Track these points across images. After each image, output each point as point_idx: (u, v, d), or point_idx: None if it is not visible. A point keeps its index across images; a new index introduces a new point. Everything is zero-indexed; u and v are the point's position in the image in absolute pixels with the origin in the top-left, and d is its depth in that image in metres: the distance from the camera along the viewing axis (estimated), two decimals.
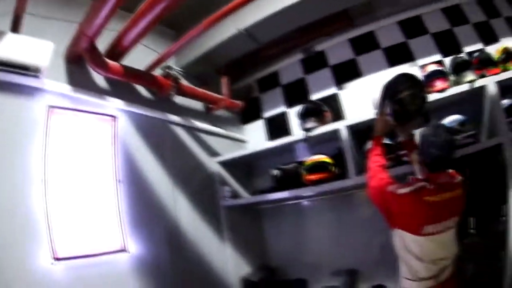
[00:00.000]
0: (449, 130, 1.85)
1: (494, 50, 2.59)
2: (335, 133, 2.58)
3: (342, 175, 2.54)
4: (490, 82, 2.25)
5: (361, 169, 2.31)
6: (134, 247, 2.19)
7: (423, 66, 2.80)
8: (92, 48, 2.06)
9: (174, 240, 2.52)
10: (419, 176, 1.76)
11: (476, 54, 2.62)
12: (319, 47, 3.52)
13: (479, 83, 2.31)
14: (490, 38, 3.01)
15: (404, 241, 1.69)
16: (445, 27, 3.13)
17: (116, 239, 2.13)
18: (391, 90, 1.86)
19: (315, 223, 3.21)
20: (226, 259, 2.94)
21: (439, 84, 2.45)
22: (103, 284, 1.96)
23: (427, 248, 1.63)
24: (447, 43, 3.06)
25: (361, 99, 3.18)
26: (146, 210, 2.38)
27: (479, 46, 2.97)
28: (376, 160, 1.91)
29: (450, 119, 2.31)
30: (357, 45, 3.37)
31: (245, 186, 3.42)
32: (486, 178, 2.26)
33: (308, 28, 3.17)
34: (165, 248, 2.43)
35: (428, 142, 1.70)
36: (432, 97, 2.29)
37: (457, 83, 2.47)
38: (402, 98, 1.77)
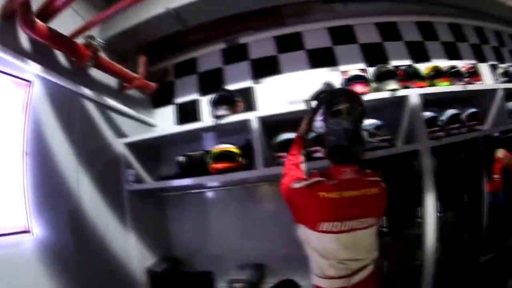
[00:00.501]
0: (354, 123, 1.74)
1: (423, 67, 2.69)
2: (245, 124, 2.51)
3: (249, 166, 2.50)
4: (413, 94, 2.37)
5: (269, 161, 2.39)
6: (38, 228, 1.98)
7: (344, 71, 2.83)
8: (26, 4, 1.90)
9: (77, 224, 2.32)
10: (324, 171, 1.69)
11: (403, 67, 2.70)
12: (242, 40, 3.40)
13: (402, 93, 2.38)
14: (421, 57, 3.13)
15: (306, 236, 1.61)
16: (376, 40, 3.18)
17: (20, 218, 1.91)
18: (329, 100, 1.90)
19: (221, 215, 3.14)
20: (130, 247, 2.79)
21: (358, 88, 2.48)
22: (7, 267, 1.77)
23: (329, 246, 1.54)
24: (374, 55, 3.09)
25: (276, 95, 3.14)
26: (50, 189, 2.15)
27: (408, 62, 3.04)
28: (292, 158, 1.91)
29: (366, 123, 2.31)
30: (282, 43, 3.30)
31: (151, 171, 3.18)
32: (401, 181, 2.31)
33: (237, 18, 3.07)
34: (68, 232, 2.23)
35: (328, 131, 1.67)
36: None
37: (378, 90, 2.49)
38: (339, 110, 1.82)
